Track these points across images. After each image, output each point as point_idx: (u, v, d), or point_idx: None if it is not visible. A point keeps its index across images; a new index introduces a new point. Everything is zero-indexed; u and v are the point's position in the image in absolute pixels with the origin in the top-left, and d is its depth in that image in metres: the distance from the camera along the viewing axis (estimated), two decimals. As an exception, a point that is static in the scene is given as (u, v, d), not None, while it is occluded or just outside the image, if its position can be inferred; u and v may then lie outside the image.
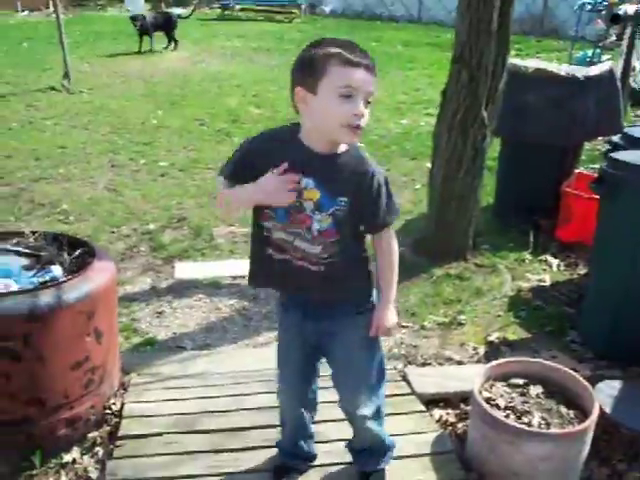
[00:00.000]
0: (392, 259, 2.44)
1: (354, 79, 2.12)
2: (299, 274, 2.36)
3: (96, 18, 17.67)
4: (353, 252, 2.40)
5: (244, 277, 4.66)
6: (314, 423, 2.81)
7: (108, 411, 3.20)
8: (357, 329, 2.47)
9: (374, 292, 2.51)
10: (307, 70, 2.17)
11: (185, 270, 4.81)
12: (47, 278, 2.97)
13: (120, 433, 3.03)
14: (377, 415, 2.66)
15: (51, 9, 13.67)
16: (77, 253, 3.19)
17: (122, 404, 3.24)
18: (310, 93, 2.17)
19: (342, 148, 2.28)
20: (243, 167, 2.32)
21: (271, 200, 2.28)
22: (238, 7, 19.37)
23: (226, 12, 18.46)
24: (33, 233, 3.34)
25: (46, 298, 2.77)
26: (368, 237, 2.44)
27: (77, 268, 3.06)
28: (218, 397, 3.29)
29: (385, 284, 2.45)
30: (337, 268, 2.36)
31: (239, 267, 4.84)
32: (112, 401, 3.24)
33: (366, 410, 2.60)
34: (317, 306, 2.46)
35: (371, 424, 2.66)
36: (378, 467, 2.81)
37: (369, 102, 2.19)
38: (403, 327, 4.11)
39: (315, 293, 2.42)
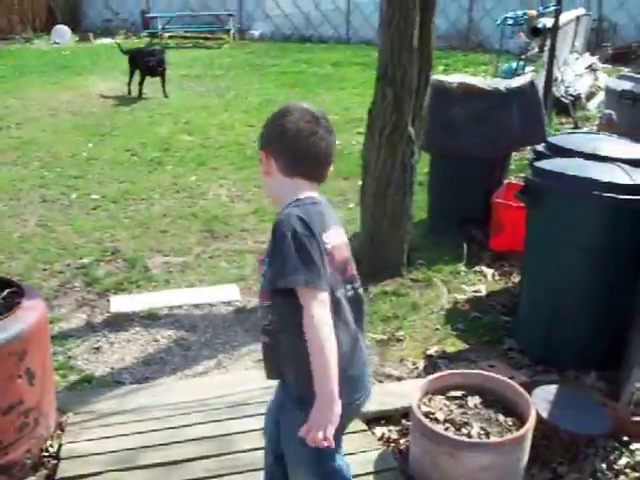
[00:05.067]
0: (312, 337, 1.98)
1: None
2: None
3: (22, 51, 17.31)
4: (289, 323, 2.07)
5: (181, 307, 4.69)
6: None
7: (45, 453, 3.13)
8: (294, 426, 2.06)
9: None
10: None
11: (121, 303, 4.73)
12: (-27, 322, 2.90)
13: (58, 476, 2.96)
14: None
15: (-26, 45, 13.34)
16: (5, 294, 3.12)
17: (60, 445, 3.17)
18: None
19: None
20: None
21: None
22: (167, 35, 19.27)
23: (154, 40, 18.34)
24: (-42, 277, 3.26)
25: (-28, 342, 2.71)
26: None
27: (5, 309, 2.99)
28: (158, 430, 3.23)
29: (314, 374, 2.00)
30: (277, 340, 2.17)
31: (175, 297, 4.81)
32: (49, 443, 3.18)
33: None
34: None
35: None
36: None
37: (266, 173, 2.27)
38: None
39: (265, 368, 2.27)
